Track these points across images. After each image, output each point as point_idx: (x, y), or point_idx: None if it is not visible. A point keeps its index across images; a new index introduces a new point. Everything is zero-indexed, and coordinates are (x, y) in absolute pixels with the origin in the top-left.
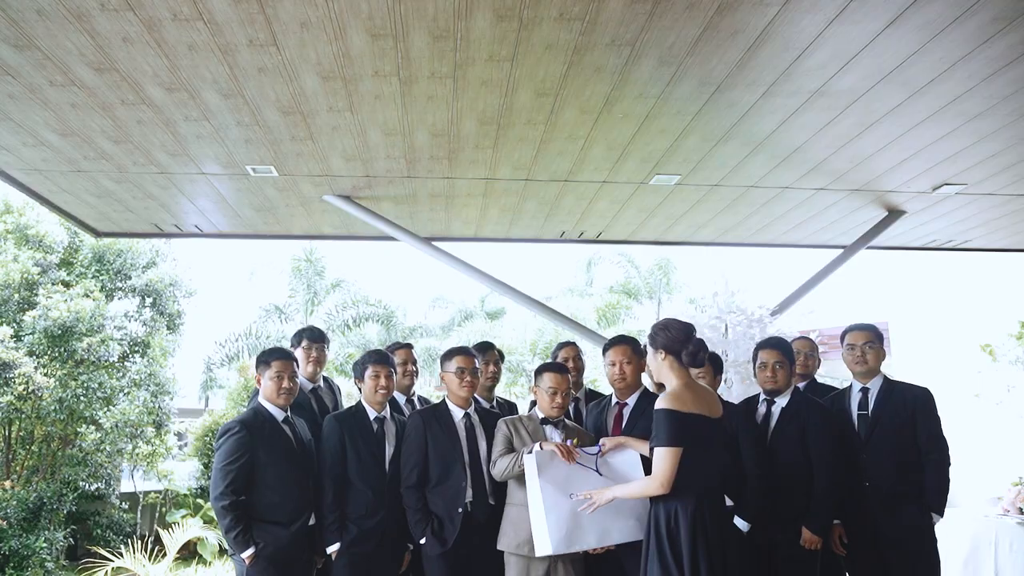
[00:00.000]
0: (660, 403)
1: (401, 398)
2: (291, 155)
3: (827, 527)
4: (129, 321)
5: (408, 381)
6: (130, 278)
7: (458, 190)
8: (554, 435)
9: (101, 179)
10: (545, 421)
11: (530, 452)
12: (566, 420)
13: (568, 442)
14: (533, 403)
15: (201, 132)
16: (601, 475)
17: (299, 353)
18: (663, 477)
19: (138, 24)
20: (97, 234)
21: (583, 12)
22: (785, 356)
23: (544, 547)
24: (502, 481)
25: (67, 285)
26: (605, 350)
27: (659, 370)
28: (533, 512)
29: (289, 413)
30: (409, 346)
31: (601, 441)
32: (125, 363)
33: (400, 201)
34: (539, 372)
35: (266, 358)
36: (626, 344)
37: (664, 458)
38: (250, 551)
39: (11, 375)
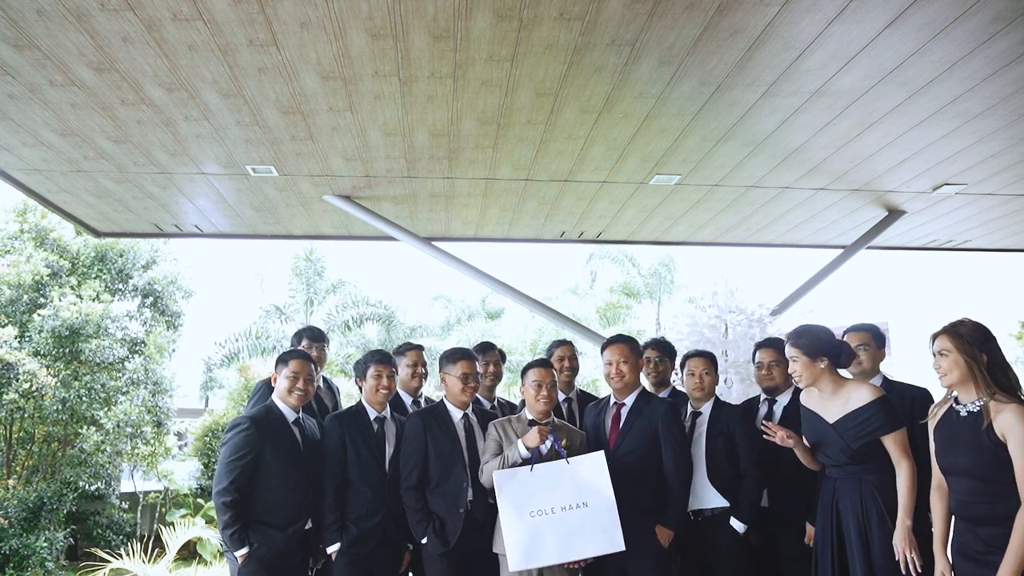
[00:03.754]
0: (870, 394)
1: (407, 399)
2: (291, 155)
3: None
4: (130, 321)
5: (416, 383)
6: (131, 277)
7: (458, 190)
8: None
9: (101, 179)
10: (534, 422)
11: (501, 467)
12: (555, 420)
13: (557, 443)
14: (522, 403)
15: (201, 132)
16: (568, 462)
17: None
18: (910, 453)
19: (138, 24)
20: (97, 234)
21: (583, 12)
22: (781, 355)
23: (510, 563)
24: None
25: (73, 288)
26: (602, 350)
27: (818, 375)
28: (502, 528)
29: (300, 414)
30: (420, 347)
31: (778, 434)
32: (124, 363)
33: (400, 201)
34: (524, 371)
35: (284, 357)
36: (623, 344)
37: (905, 436)
38: (244, 550)
39: (15, 374)
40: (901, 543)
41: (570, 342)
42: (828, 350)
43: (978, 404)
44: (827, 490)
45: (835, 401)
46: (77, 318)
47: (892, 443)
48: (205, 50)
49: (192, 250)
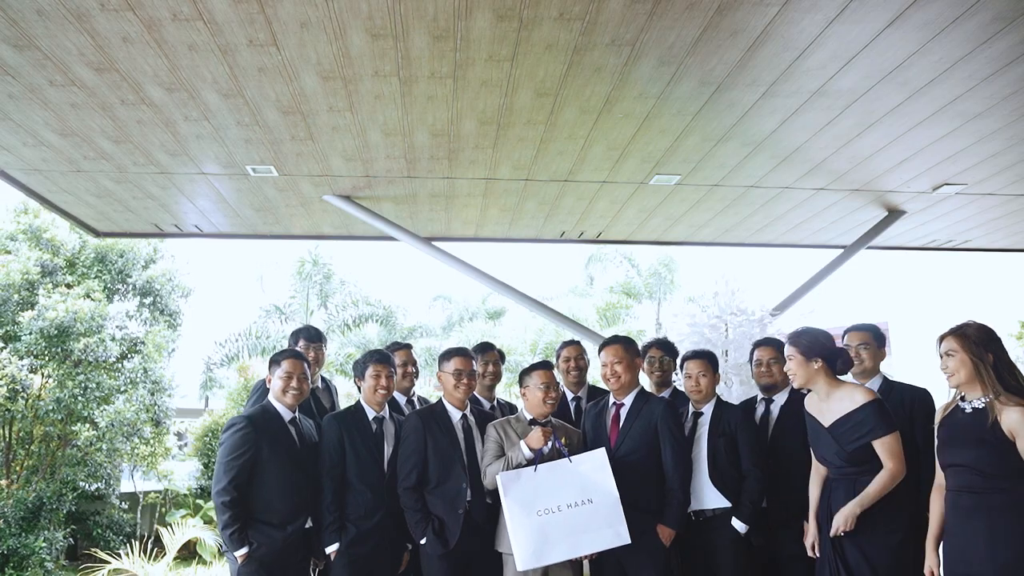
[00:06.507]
0: (864, 397)
1: (401, 399)
2: (291, 155)
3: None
4: (130, 320)
5: (408, 383)
6: (131, 276)
7: (458, 190)
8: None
9: (101, 179)
10: (533, 422)
11: (504, 469)
12: (553, 419)
13: (559, 443)
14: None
15: (201, 132)
16: (571, 461)
17: None
18: (902, 458)
19: (138, 24)
20: (97, 234)
21: (583, 12)
22: (780, 353)
23: (518, 563)
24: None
25: (68, 286)
26: (599, 351)
27: (812, 376)
28: (508, 529)
29: (297, 414)
30: (408, 347)
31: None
32: (123, 362)
33: (400, 201)
34: (525, 374)
35: (277, 358)
36: (617, 344)
37: (896, 441)
38: (244, 550)
39: None
40: (840, 520)
41: (577, 342)
42: (824, 352)
43: (983, 401)
44: (825, 494)
45: (830, 404)
46: (65, 317)
47: (882, 447)
48: (205, 50)
49: (192, 250)
